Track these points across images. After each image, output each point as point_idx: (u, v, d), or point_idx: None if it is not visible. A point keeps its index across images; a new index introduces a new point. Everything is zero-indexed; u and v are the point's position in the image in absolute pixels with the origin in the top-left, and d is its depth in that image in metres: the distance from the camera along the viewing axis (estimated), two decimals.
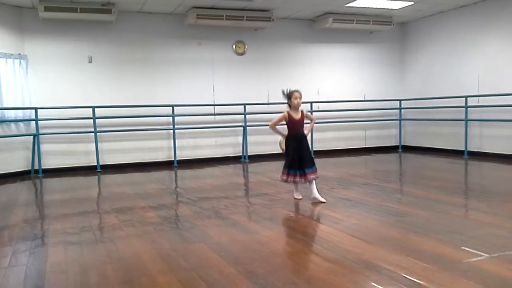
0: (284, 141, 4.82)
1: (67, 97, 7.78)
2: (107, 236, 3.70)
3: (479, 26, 8.32)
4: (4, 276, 2.85)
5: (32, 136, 7.49)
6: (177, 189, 6.24)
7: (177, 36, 8.50)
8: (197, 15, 7.86)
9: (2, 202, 5.46)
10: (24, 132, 7.55)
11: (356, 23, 8.90)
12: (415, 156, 8.91)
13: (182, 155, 8.50)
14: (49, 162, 7.71)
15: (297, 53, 9.36)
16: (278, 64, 9.16)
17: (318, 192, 4.70)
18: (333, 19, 8.70)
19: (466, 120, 8.28)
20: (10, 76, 7.26)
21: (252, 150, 8.88)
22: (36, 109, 7.44)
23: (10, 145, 7.34)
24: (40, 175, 7.45)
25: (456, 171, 7.15)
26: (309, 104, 9.09)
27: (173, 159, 8.36)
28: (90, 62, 7.99)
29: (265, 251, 3.19)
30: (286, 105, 4.85)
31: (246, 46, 8.97)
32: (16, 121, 7.40)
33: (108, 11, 7.41)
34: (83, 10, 7.29)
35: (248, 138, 8.79)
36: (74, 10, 7.25)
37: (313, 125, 5.04)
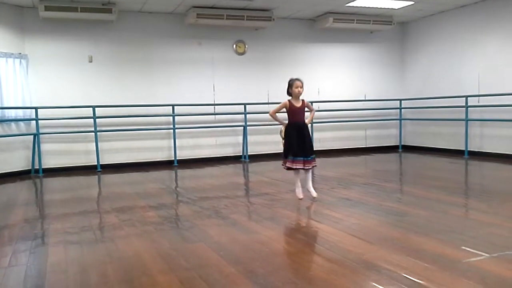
0: (284, 130, 4.81)
1: (68, 96, 7.79)
2: (107, 236, 3.70)
3: (479, 26, 8.32)
4: (4, 276, 2.85)
5: (32, 136, 7.49)
6: (177, 189, 6.24)
7: (178, 36, 8.50)
8: (197, 14, 7.86)
9: (2, 201, 5.46)
10: (24, 132, 7.56)
11: (356, 23, 8.90)
12: (415, 156, 8.91)
13: (182, 154, 8.50)
14: (49, 162, 7.72)
15: (298, 52, 9.36)
16: (278, 64, 9.16)
17: (315, 190, 4.71)
18: (334, 19, 8.70)
19: (467, 120, 8.28)
20: (11, 75, 7.27)
21: (252, 150, 8.88)
22: (36, 108, 7.44)
23: (10, 144, 7.34)
24: (40, 174, 7.46)
25: (456, 171, 7.15)
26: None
27: (173, 158, 8.36)
28: (91, 61, 7.99)
29: (265, 250, 3.19)
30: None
31: (246, 46, 8.97)
32: (16, 120, 7.40)
33: (109, 11, 7.42)
34: (84, 10, 7.29)
35: (248, 137, 8.79)
36: (74, 9, 7.26)
37: (313, 115, 5.03)
